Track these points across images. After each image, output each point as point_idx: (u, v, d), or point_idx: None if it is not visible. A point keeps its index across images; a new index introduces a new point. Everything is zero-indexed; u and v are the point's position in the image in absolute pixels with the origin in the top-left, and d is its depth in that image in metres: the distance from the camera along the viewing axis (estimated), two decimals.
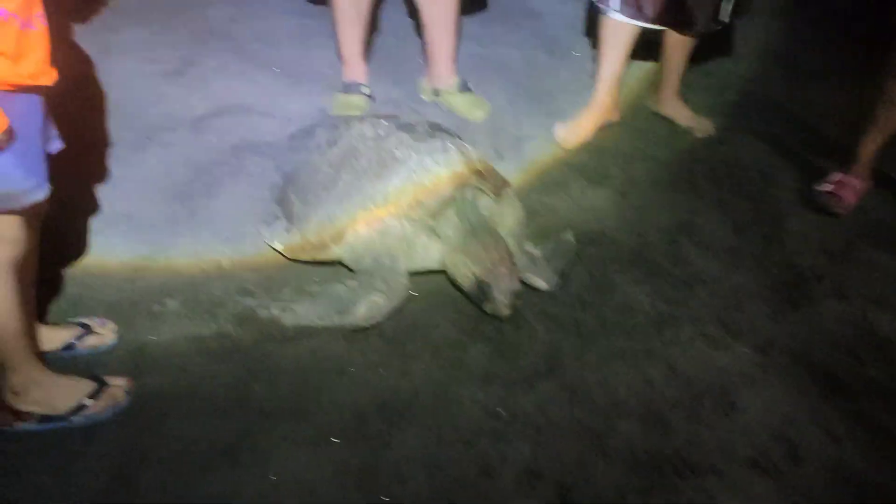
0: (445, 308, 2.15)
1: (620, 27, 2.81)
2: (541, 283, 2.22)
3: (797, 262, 2.40)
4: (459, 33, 3.08)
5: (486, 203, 2.21)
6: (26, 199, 1.47)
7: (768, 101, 3.28)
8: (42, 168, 1.49)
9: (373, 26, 3.09)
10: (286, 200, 2.36)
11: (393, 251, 2.14)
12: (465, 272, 2.08)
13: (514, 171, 2.81)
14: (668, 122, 3.08)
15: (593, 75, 3.37)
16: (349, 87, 2.99)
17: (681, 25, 2.86)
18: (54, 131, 1.57)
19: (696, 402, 1.92)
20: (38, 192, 1.49)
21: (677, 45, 2.95)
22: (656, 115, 3.12)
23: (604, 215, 2.59)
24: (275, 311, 2.04)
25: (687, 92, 3.13)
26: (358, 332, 2.03)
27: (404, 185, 2.13)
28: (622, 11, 2.75)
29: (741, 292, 2.28)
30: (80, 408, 1.76)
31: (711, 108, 3.20)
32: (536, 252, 2.29)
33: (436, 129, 2.31)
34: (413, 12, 3.45)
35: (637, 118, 3.14)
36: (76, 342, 1.92)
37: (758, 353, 2.08)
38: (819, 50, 3.65)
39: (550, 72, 3.44)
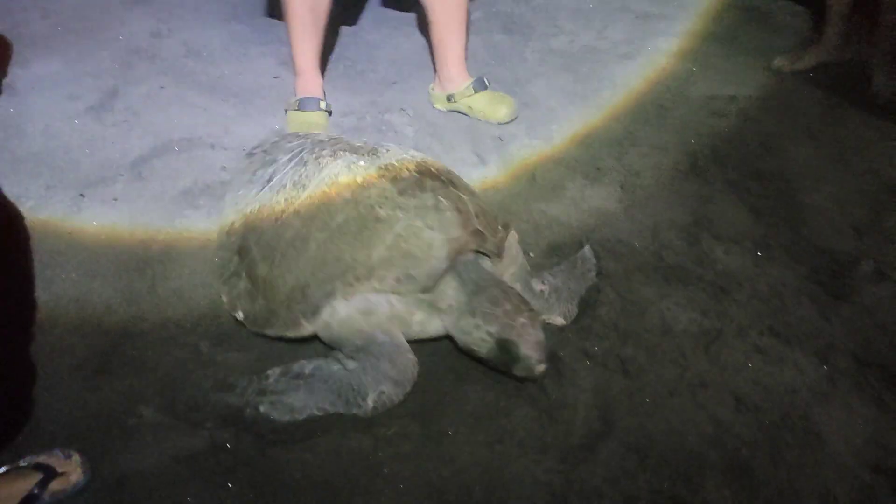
0: (471, 371, 1.70)
1: None
2: (558, 320, 1.83)
3: (828, 245, 2.05)
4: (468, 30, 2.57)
5: (487, 264, 1.73)
6: None
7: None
8: None
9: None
10: (248, 254, 1.81)
11: (384, 328, 1.66)
12: (480, 336, 1.60)
13: (500, 176, 2.38)
14: (657, 103, 2.67)
15: (561, 52, 2.96)
16: (305, 104, 2.47)
17: None
18: None
19: (776, 438, 1.57)
20: None
21: None
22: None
23: (612, 218, 2.18)
24: (263, 409, 1.57)
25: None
26: (380, 418, 1.59)
27: (391, 255, 1.62)
28: None
29: (781, 290, 1.93)
30: None
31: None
32: (546, 286, 1.87)
33: (425, 176, 1.75)
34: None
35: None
36: (37, 491, 1.42)
37: (820, 361, 1.74)
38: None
39: (515, 55, 2.99)
